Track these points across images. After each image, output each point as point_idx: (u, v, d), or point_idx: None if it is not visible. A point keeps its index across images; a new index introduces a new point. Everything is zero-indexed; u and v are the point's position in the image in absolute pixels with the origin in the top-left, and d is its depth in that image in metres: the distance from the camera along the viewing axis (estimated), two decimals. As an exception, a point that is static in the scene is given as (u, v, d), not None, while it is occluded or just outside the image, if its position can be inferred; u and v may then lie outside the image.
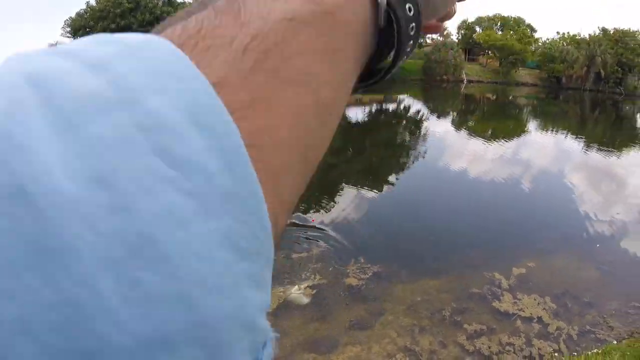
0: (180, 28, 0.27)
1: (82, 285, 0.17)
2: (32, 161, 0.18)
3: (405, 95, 38.57)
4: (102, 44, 0.23)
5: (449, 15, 0.55)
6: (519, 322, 5.80)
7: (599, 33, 61.24)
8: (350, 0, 0.34)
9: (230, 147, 0.22)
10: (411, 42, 0.42)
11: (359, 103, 31.37)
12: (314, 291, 6.17)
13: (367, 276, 6.59)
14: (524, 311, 6.01)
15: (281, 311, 5.76)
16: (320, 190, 10.46)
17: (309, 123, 0.30)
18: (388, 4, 0.38)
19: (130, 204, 0.19)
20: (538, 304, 6.18)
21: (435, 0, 0.47)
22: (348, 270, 6.72)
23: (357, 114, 26.18)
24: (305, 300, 5.95)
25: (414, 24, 0.40)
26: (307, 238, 7.67)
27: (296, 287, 6.18)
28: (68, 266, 0.17)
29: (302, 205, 9.34)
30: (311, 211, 8.97)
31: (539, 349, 5.34)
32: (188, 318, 0.19)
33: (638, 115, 41.12)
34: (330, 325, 5.61)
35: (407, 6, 0.39)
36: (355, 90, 0.42)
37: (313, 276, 6.51)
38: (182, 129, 0.21)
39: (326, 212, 9.00)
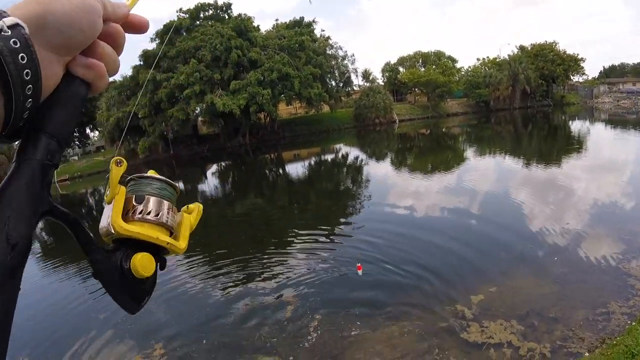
0: None
1: None
2: None
3: (342, 144, 39.04)
4: None
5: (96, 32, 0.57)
6: (491, 350, 5.60)
7: (518, 51, 63.97)
8: None
9: None
10: (27, 70, 0.48)
11: (297, 159, 31.44)
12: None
13: (325, 334, 6.28)
14: (492, 338, 5.82)
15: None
16: (269, 253, 10.20)
17: None
18: None
19: None
20: (505, 328, 6.00)
21: (59, 26, 0.52)
22: (303, 330, 6.40)
23: (297, 169, 26.18)
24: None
25: (23, 54, 0.47)
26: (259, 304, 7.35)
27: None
28: None
29: (259, 270, 9.01)
30: (265, 274, 8.67)
31: (515, 374, 5.14)
32: None
33: (570, 123, 42.79)
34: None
35: (11, 41, 0.46)
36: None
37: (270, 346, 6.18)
38: None
39: (273, 273, 8.68)
